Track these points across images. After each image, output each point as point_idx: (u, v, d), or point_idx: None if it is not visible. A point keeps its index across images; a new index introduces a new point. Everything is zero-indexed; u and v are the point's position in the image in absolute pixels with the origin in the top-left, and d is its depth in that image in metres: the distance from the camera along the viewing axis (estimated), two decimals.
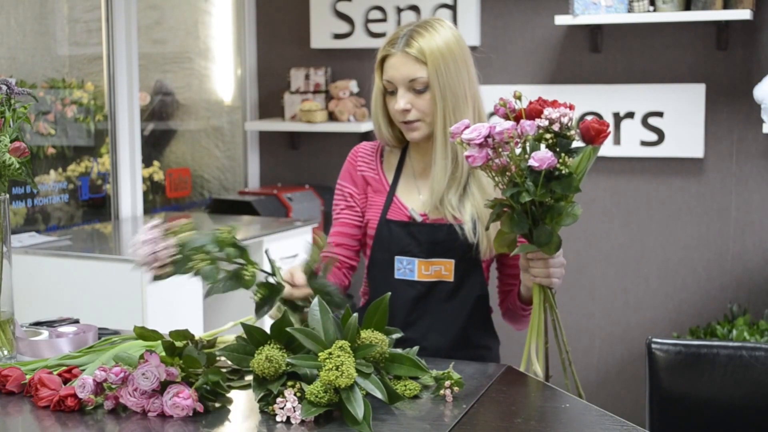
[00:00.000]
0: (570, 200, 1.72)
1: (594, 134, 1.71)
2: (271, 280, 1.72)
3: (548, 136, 1.68)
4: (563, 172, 1.67)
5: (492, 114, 1.80)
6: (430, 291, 2.05)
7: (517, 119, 1.72)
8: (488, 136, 1.68)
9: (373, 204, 2.11)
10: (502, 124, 1.68)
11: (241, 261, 1.66)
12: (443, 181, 2.02)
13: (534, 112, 1.71)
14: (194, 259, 1.60)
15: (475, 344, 2.08)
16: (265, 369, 1.52)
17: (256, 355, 1.54)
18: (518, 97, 1.74)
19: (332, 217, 2.17)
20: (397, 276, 2.06)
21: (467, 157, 1.71)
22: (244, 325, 1.60)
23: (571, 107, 1.71)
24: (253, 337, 1.58)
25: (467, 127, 1.71)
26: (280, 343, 1.56)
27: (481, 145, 1.69)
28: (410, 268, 2.05)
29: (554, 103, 1.71)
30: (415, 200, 2.09)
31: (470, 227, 2.01)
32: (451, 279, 2.04)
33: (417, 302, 2.05)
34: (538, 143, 1.68)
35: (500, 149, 1.69)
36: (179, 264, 1.61)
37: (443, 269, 2.04)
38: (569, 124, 1.69)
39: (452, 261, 2.03)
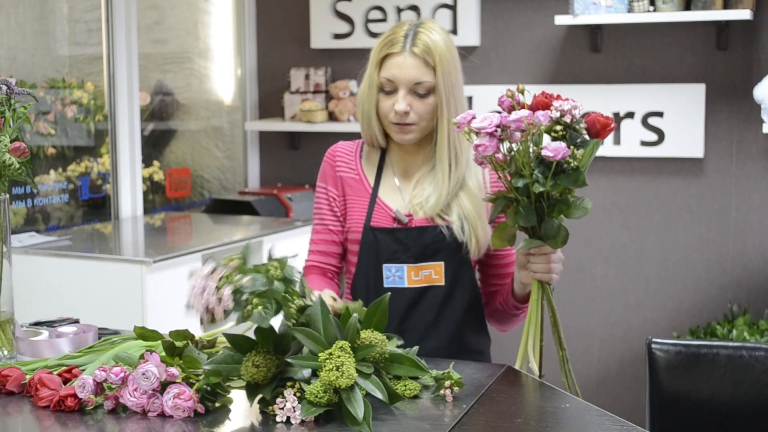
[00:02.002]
0: (572, 194, 1.72)
1: (600, 128, 1.71)
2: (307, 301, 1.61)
3: (558, 128, 1.68)
4: (571, 165, 1.67)
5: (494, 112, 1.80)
6: (422, 297, 2.01)
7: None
8: (499, 125, 1.67)
9: (354, 207, 2.06)
10: (517, 112, 1.66)
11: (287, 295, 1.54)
12: (447, 186, 1.99)
13: (541, 104, 1.71)
14: (250, 304, 1.49)
15: (471, 349, 2.06)
16: (254, 375, 1.51)
17: (243, 362, 1.52)
18: (521, 91, 1.74)
19: (314, 218, 2.11)
20: (386, 285, 2.01)
21: (477, 146, 1.68)
22: (226, 335, 1.57)
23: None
24: (239, 345, 1.55)
25: (474, 117, 1.70)
26: (266, 347, 1.54)
27: (491, 134, 1.67)
28: (399, 275, 2.00)
29: (558, 98, 1.71)
30: (398, 201, 2.05)
31: (459, 226, 1.99)
32: (443, 282, 2.01)
33: (409, 310, 2.01)
34: (540, 137, 1.68)
35: (508, 140, 1.68)
36: (236, 309, 1.50)
37: (433, 273, 2.00)
38: (578, 117, 1.69)
39: (442, 263, 2.00)
